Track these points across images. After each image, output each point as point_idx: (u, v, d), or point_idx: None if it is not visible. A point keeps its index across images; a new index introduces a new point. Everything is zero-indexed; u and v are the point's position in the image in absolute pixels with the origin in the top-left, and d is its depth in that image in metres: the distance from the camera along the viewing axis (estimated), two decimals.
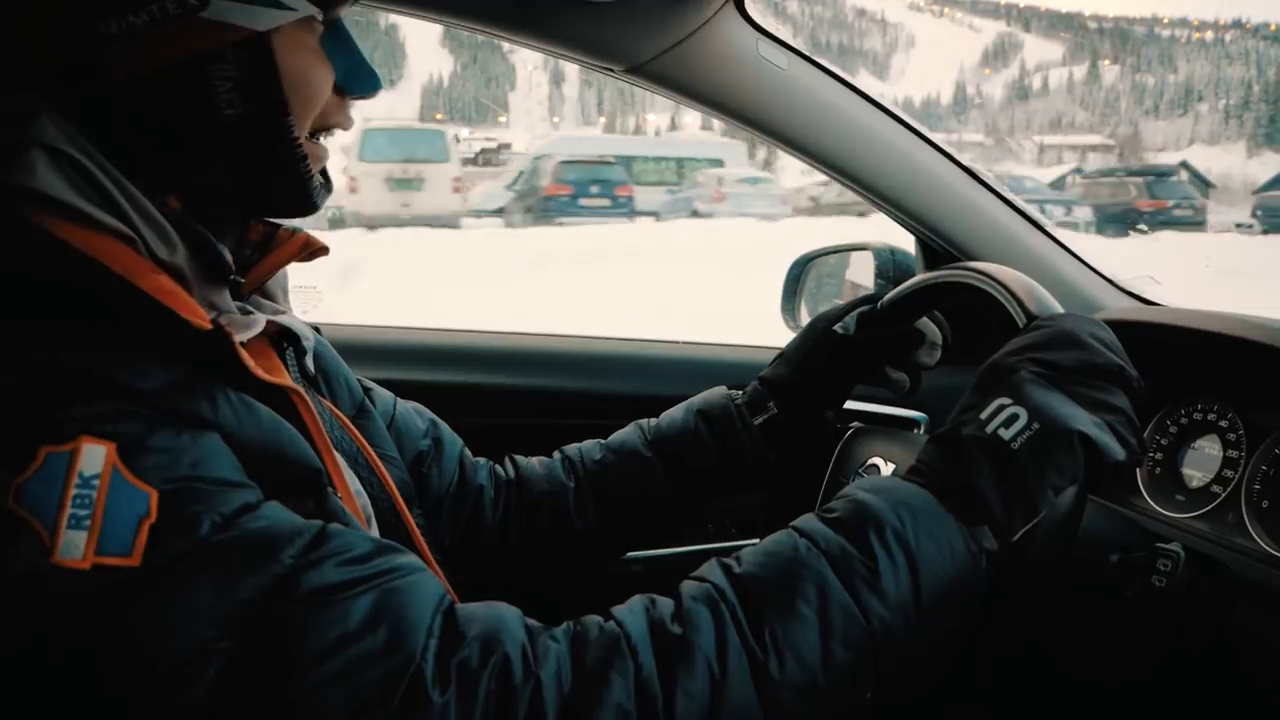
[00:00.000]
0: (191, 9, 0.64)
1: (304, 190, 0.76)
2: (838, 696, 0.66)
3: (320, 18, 0.73)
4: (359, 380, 1.00)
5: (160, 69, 0.66)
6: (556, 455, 1.13)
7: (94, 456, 0.56)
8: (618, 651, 0.62)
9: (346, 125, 0.81)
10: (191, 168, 0.71)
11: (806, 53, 1.17)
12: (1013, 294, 0.84)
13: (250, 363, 0.67)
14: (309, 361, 0.86)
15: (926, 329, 1.08)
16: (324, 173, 0.81)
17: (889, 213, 1.28)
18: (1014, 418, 0.71)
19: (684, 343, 1.69)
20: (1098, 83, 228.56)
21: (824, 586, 0.66)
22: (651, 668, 0.62)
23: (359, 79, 0.79)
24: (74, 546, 0.54)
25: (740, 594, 0.66)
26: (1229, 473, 1.00)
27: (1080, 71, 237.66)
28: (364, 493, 0.83)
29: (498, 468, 1.11)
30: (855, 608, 0.65)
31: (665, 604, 0.67)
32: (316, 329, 0.95)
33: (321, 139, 0.80)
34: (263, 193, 0.76)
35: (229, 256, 0.74)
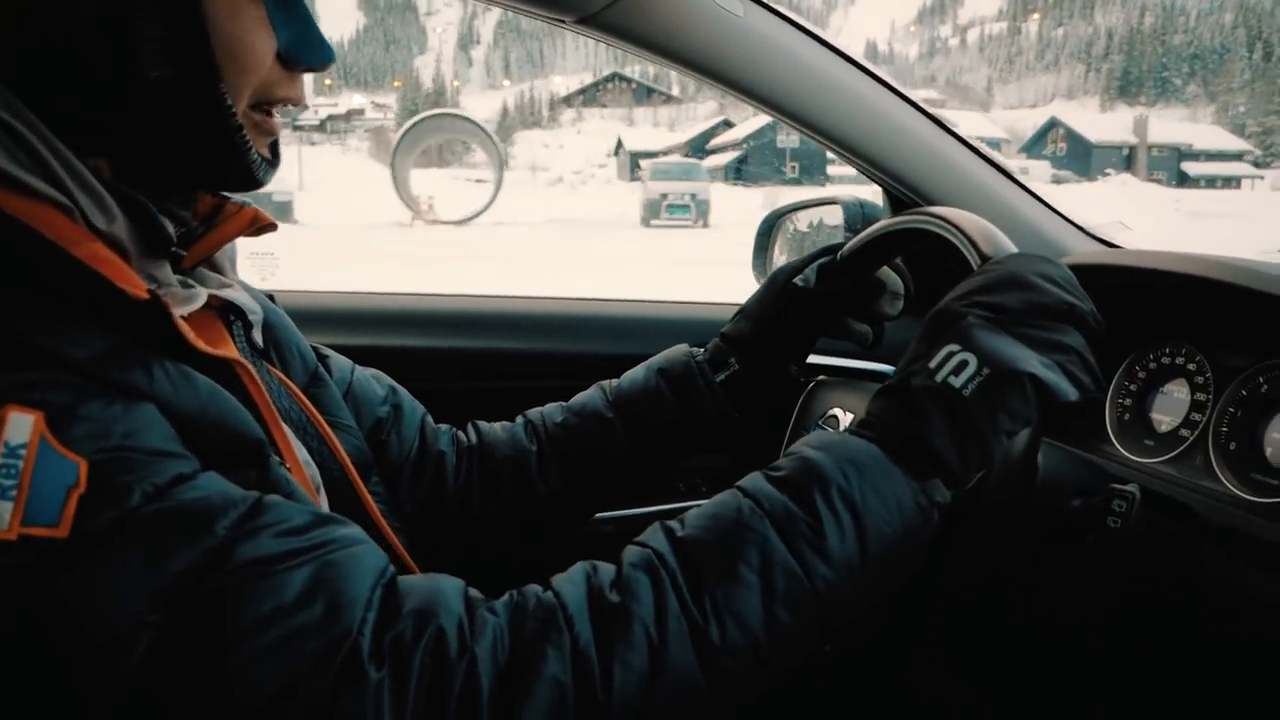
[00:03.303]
0: None
1: (244, 164, 0.73)
2: (782, 659, 0.65)
3: None
4: (315, 348, 0.98)
5: (85, 23, 0.63)
6: (519, 419, 1.12)
7: (20, 425, 0.54)
8: (554, 623, 0.61)
9: (298, 99, 0.78)
10: (120, 130, 0.68)
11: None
12: (966, 236, 0.82)
13: (190, 334, 0.65)
14: (256, 334, 0.85)
15: (888, 279, 1.07)
16: (273, 147, 0.78)
17: (853, 163, 1.26)
18: (963, 364, 0.69)
19: (647, 301, 1.68)
20: (1017, 38, 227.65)
21: (766, 548, 0.65)
22: (589, 638, 0.60)
23: (307, 50, 0.75)
24: None
25: (681, 558, 0.65)
26: (1197, 416, 0.99)
27: (1001, 28, 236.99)
28: (313, 463, 0.82)
29: (460, 434, 1.10)
30: (798, 569, 0.64)
31: (606, 571, 0.66)
32: (271, 297, 0.93)
33: (273, 112, 0.76)
34: (199, 164, 0.73)
35: (170, 229, 0.71)
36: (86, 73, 0.65)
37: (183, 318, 0.66)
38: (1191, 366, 1.02)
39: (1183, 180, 74.41)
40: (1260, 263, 0.95)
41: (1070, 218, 1.29)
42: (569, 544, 1.01)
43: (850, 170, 1.28)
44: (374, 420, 1.01)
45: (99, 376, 0.58)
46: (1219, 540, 0.86)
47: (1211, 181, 73.09)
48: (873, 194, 1.42)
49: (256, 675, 0.55)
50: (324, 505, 0.81)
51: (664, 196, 22.21)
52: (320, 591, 0.58)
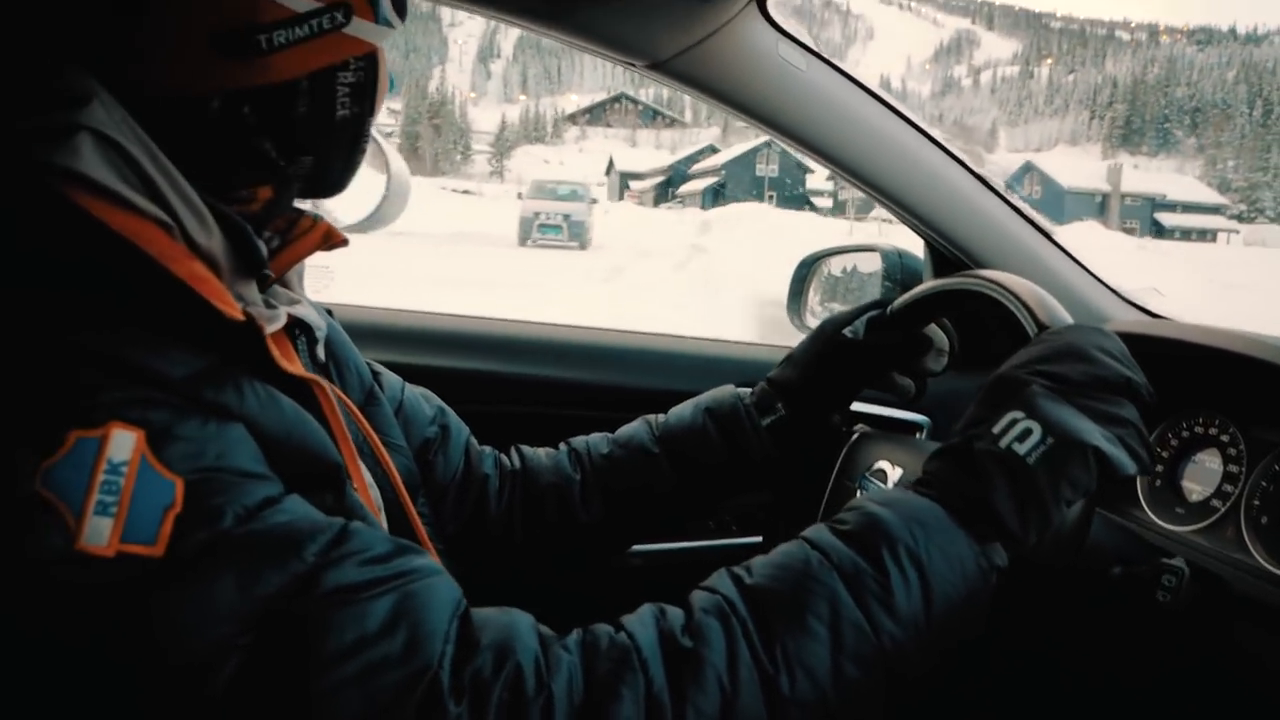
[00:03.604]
0: (340, 25, 0.72)
1: (352, 175, 0.83)
2: (847, 714, 0.65)
3: None
4: (368, 364, 0.99)
5: (298, 74, 0.72)
6: (563, 447, 1.13)
7: (123, 443, 0.55)
8: (628, 665, 0.62)
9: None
10: (290, 160, 0.76)
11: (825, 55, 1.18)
12: (1024, 304, 0.85)
13: (277, 354, 0.67)
14: (320, 350, 0.86)
15: (934, 335, 1.09)
16: None
17: (900, 216, 1.29)
18: (1028, 432, 0.71)
19: (693, 338, 1.70)
20: (1028, 82, 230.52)
21: (835, 602, 0.66)
22: (662, 682, 0.61)
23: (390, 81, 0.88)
24: (99, 533, 0.54)
25: (751, 607, 0.66)
26: (1229, 488, 1.01)
27: (1016, 71, 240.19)
28: (375, 485, 0.83)
29: (503, 457, 1.11)
30: (866, 624, 0.65)
31: (676, 615, 0.67)
32: (329, 311, 0.95)
33: None
34: (328, 178, 0.82)
35: (264, 250, 0.74)
36: (290, 115, 0.73)
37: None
38: (1225, 438, 1.04)
39: (1157, 230, 74.95)
40: None
41: (1107, 282, 1.32)
42: (602, 575, 1.03)
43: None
44: (422, 440, 1.02)
45: (195, 396, 0.60)
46: (1249, 613, 0.88)
47: (1186, 234, 73.59)
48: (907, 242, 1.45)
49: (338, 705, 0.56)
50: (384, 528, 0.82)
51: (537, 215, 21.91)
52: (402, 622, 0.59)
